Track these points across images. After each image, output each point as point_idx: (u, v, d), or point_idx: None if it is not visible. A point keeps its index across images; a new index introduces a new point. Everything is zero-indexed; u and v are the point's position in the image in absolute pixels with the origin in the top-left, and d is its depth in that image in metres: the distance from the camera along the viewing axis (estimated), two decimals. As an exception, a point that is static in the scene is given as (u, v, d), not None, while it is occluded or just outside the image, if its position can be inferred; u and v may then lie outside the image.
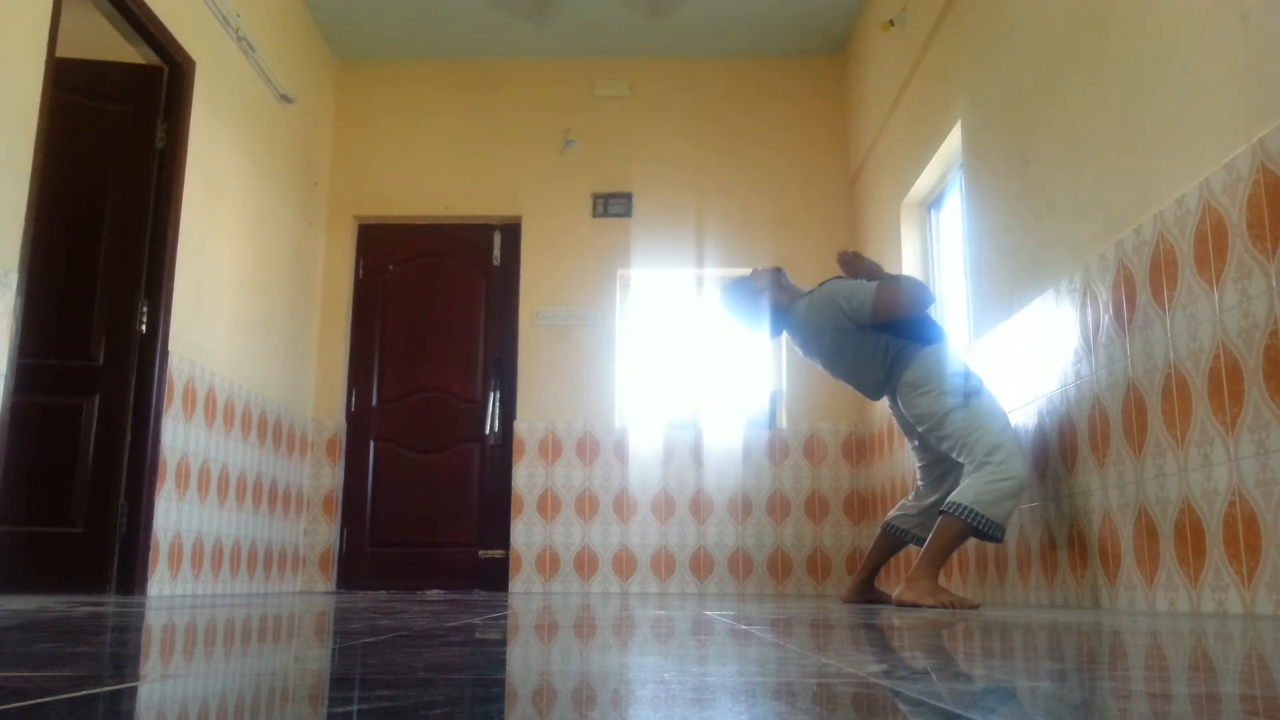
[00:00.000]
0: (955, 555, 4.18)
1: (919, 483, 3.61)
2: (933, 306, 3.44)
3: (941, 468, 3.51)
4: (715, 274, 6.00)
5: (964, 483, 3.14)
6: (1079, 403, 3.07)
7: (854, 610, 2.92)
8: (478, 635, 1.63)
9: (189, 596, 3.96)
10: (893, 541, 3.67)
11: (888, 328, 3.33)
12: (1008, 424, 3.28)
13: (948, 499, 3.15)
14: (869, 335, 3.34)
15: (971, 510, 3.05)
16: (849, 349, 3.39)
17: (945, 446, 3.31)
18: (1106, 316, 2.90)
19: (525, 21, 5.79)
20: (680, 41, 6.01)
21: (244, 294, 4.85)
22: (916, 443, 3.56)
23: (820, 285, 3.51)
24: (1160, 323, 2.61)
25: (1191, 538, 2.47)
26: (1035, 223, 3.44)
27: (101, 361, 3.92)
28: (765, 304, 3.54)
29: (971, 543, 4.00)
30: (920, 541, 3.56)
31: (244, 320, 4.85)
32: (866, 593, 3.68)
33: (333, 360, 5.86)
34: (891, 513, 3.72)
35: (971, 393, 3.24)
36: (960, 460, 3.27)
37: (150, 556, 3.90)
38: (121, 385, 3.91)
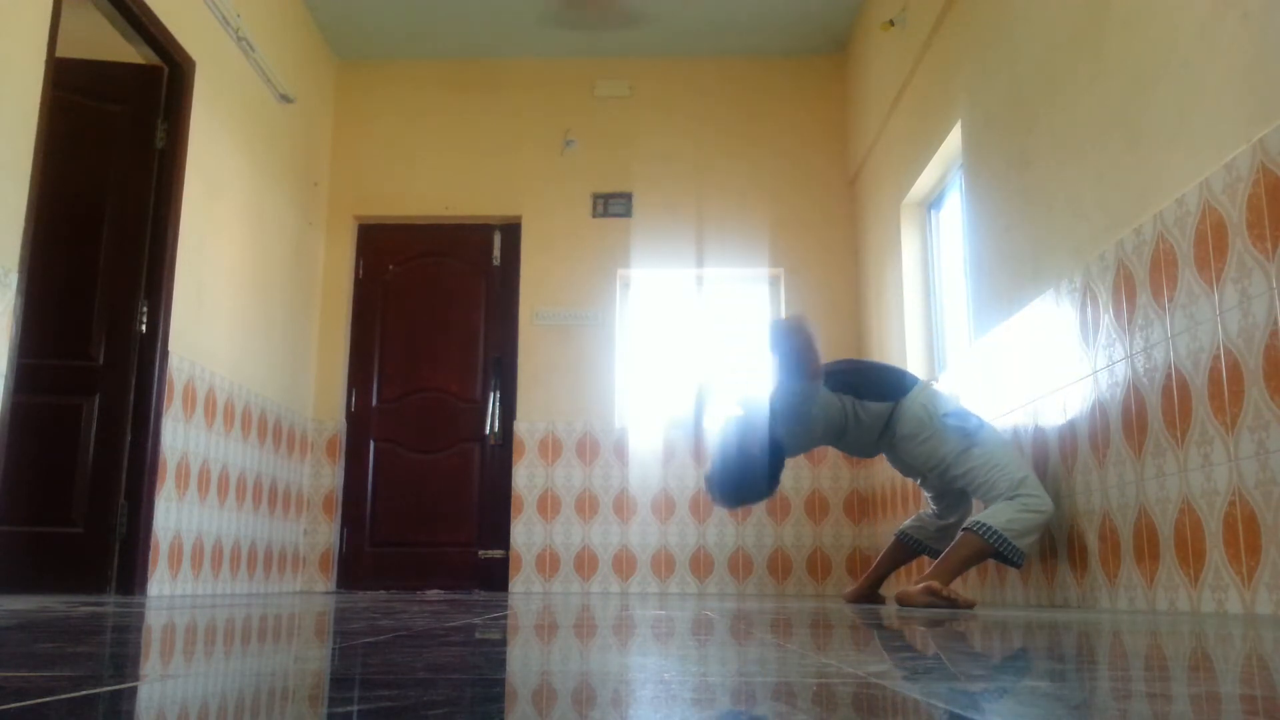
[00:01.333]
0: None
1: (932, 506, 3.60)
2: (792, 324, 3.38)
3: (953, 495, 3.50)
4: (715, 274, 6.00)
5: (994, 507, 3.10)
6: (1079, 403, 3.07)
7: (854, 610, 2.92)
8: (478, 635, 1.63)
9: (189, 596, 3.96)
10: (906, 550, 3.66)
11: (861, 392, 3.31)
12: (1021, 454, 3.28)
13: (974, 518, 3.11)
14: (844, 400, 3.31)
15: (999, 535, 3.02)
16: (835, 422, 3.35)
17: (959, 485, 3.30)
18: (1106, 316, 2.90)
19: (598, 32, 5.79)
20: (680, 41, 6.01)
21: (244, 294, 4.85)
22: (919, 480, 3.54)
23: (770, 406, 3.38)
24: (1160, 323, 2.61)
25: (1191, 538, 2.47)
26: (1035, 223, 3.44)
27: (101, 361, 3.92)
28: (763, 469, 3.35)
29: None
30: (934, 553, 3.55)
31: (244, 320, 4.85)
32: (871, 597, 3.67)
33: (333, 360, 5.86)
34: (907, 522, 3.71)
35: (973, 431, 3.24)
36: (979, 497, 3.26)
37: (150, 556, 3.90)
38: (121, 385, 3.91)
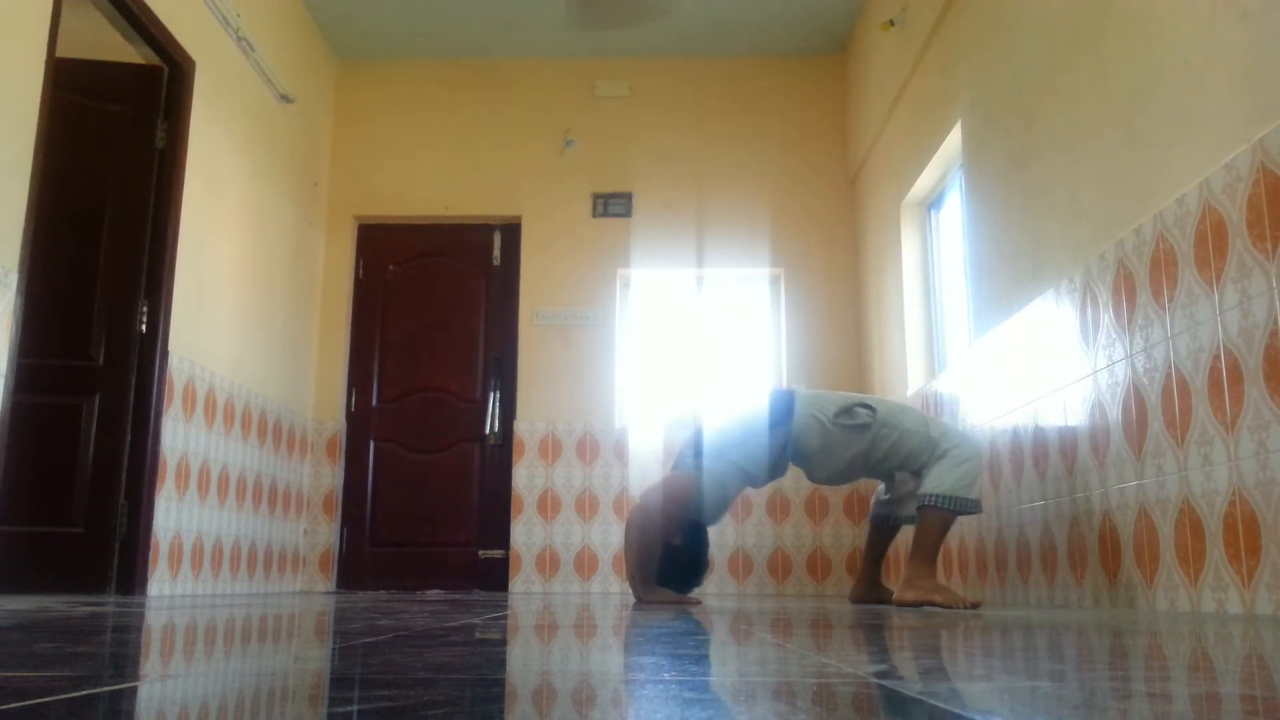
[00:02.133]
0: (956, 554, 4.19)
1: (882, 487, 3.66)
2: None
3: (891, 476, 3.56)
4: (715, 274, 6.00)
5: (933, 474, 3.17)
6: (1079, 403, 3.07)
7: (855, 610, 2.92)
8: (478, 635, 1.63)
9: (189, 596, 3.96)
10: (882, 531, 3.66)
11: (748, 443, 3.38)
12: (921, 412, 3.46)
13: (923, 493, 3.17)
14: (732, 459, 3.40)
15: (951, 498, 3.12)
16: (738, 479, 3.45)
17: (887, 467, 3.37)
18: (1106, 316, 2.90)
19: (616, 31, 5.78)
20: (680, 41, 6.01)
21: (244, 294, 4.85)
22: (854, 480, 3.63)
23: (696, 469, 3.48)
24: (1160, 323, 2.61)
25: (1191, 538, 2.47)
26: (1035, 223, 3.44)
27: (101, 361, 3.92)
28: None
29: (972, 542, 4.00)
30: (908, 520, 3.57)
31: (244, 320, 4.85)
32: (873, 590, 3.65)
33: (333, 360, 5.86)
34: (871, 507, 3.72)
35: (868, 422, 3.29)
36: (910, 470, 3.33)
37: (150, 556, 3.90)
38: (121, 385, 3.91)
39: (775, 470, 3.47)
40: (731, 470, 3.41)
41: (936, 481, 3.14)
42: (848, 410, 3.33)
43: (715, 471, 3.39)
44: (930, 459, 3.21)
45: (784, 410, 3.38)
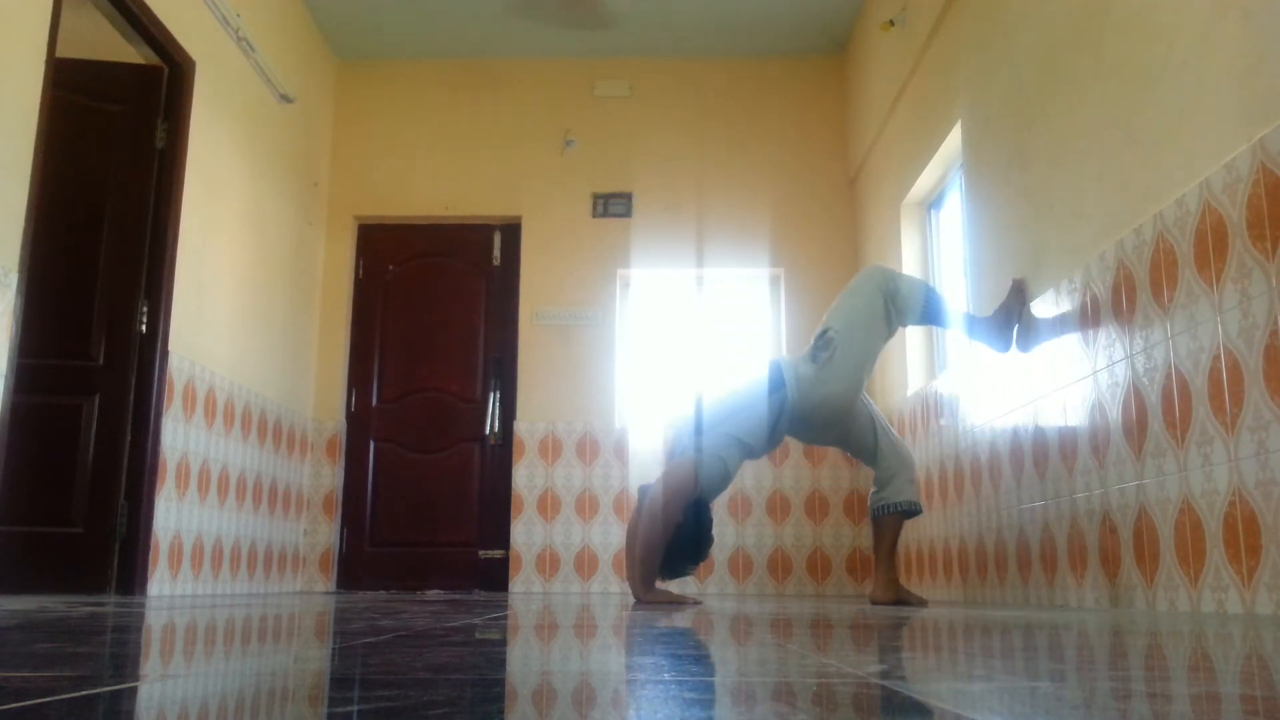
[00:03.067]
0: (956, 554, 4.19)
1: (874, 473, 3.68)
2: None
3: (871, 449, 3.62)
4: (715, 274, 6.01)
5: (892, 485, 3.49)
6: (1079, 403, 3.07)
7: (855, 611, 2.92)
8: (478, 635, 1.63)
9: (189, 596, 3.96)
10: (882, 525, 3.57)
11: (740, 417, 3.49)
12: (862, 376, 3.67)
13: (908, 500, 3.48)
14: (730, 439, 3.49)
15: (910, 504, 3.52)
16: (738, 455, 3.51)
17: (863, 409, 3.56)
18: (1106, 316, 2.90)
19: (587, 31, 5.79)
20: (680, 41, 6.01)
21: (244, 294, 4.85)
22: (847, 448, 3.74)
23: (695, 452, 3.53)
24: (1160, 323, 2.61)
25: (1191, 538, 2.47)
26: (1035, 223, 3.44)
27: (101, 361, 3.92)
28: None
29: (972, 542, 4.01)
30: (907, 506, 3.55)
31: (244, 320, 4.85)
32: (891, 590, 3.51)
33: (333, 360, 5.86)
34: (872, 506, 3.64)
35: (831, 332, 3.44)
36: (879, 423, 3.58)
37: (150, 556, 3.90)
38: (121, 385, 3.91)
39: (772, 440, 3.53)
40: (730, 443, 3.45)
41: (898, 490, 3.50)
42: (815, 344, 3.46)
43: (714, 447, 3.43)
44: (880, 470, 3.55)
45: (777, 380, 3.45)
